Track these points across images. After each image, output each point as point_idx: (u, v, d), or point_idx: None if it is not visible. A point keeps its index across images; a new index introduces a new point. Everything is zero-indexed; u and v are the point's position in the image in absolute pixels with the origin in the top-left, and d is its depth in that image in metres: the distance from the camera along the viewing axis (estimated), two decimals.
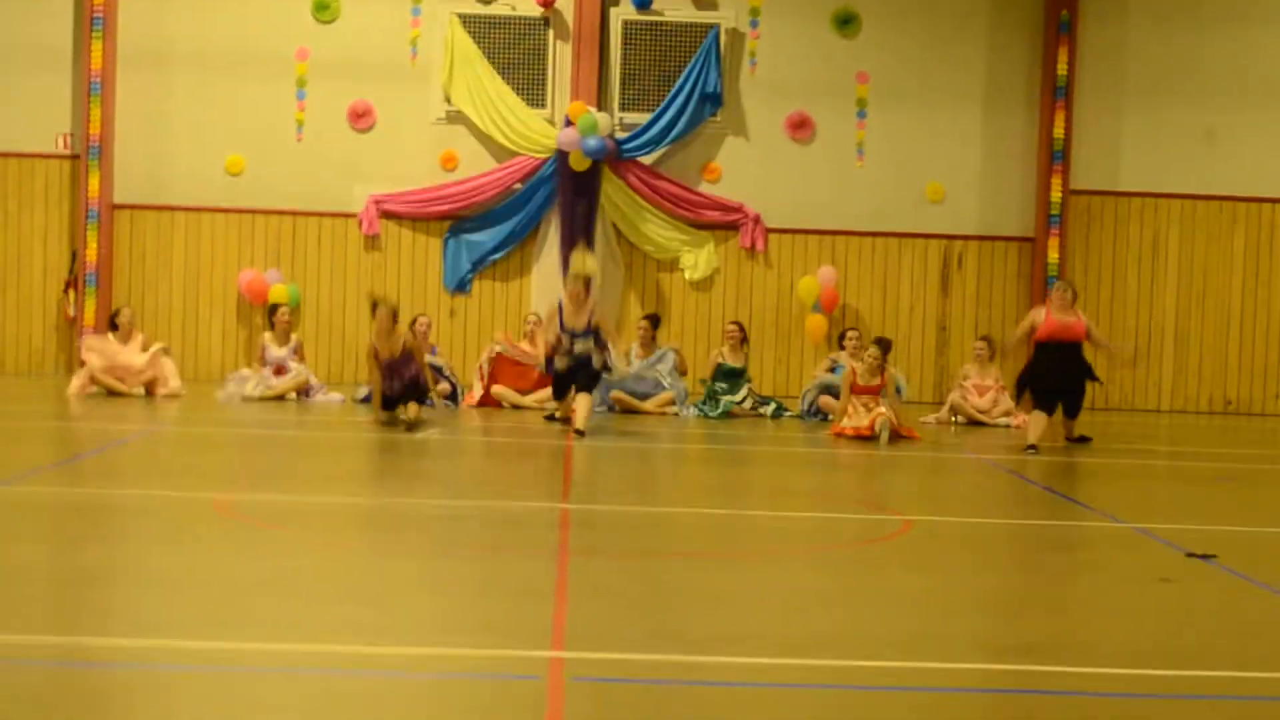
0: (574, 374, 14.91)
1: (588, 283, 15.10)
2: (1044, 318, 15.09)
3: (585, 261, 15.15)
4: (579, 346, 14.84)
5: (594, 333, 14.95)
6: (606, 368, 15.15)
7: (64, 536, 8.96)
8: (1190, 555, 8.72)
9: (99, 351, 17.56)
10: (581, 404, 14.64)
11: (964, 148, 21.02)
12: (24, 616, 6.56)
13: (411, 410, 14.89)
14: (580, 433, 14.31)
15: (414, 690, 5.65)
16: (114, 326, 17.85)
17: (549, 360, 15.28)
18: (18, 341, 20.72)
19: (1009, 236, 21.12)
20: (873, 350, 15.79)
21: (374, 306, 15.23)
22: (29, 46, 20.37)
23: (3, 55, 20.33)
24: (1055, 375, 14.97)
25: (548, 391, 17.09)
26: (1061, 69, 20.60)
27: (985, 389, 17.52)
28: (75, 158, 20.47)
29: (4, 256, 20.64)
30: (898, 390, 16.44)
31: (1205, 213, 21.18)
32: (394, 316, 15.10)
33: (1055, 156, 20.67)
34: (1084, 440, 15.42)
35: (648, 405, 17.43)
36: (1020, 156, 21.01)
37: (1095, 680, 5.97)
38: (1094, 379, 15.41)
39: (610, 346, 15.42)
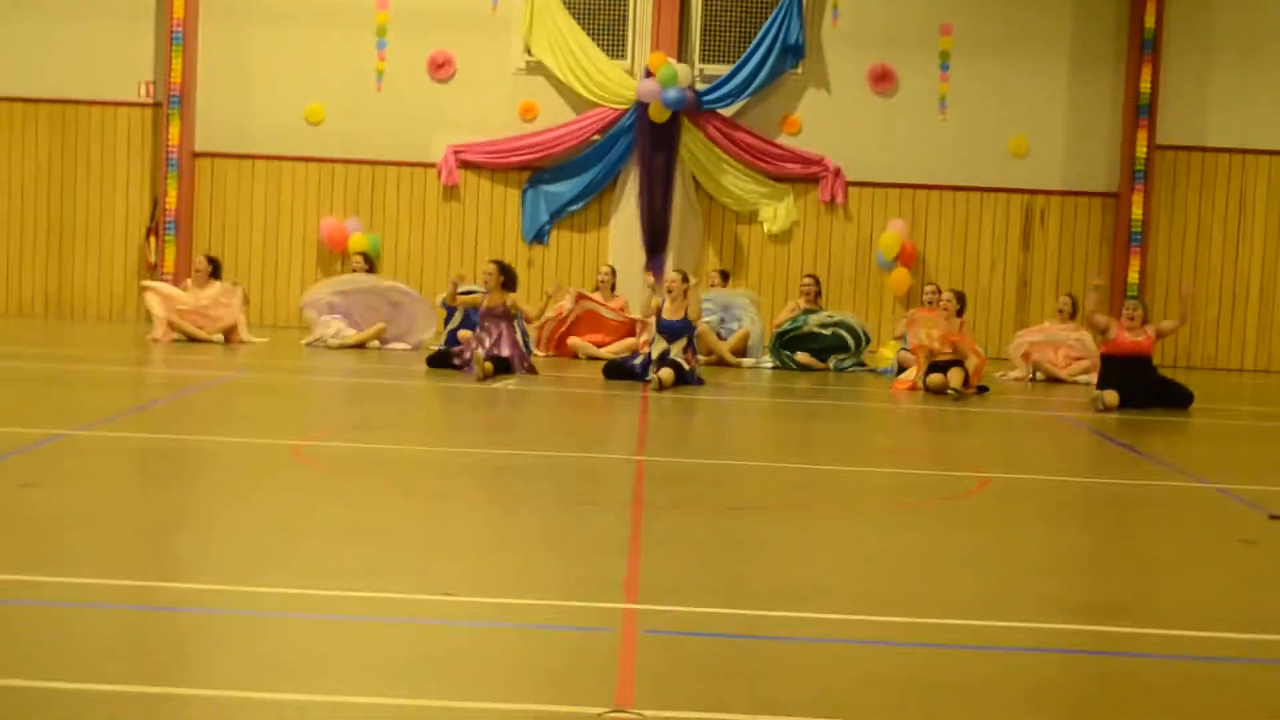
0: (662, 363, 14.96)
1: (685, 275, 15.46)
2: (1117, 332, 14.74)
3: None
4: (673, 352, 14.98)
5: (689, 330, 15.02)
6: (694, 377, 15.09)
7: (142, 481, 9.04)
8: (1273, 516, 8.61)
9: (162, 294, 17.68)
10: (666, 373, 14.68)
11: (1048, 101, 20.77)
12: (101, 561, 6.62)
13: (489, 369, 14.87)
14: (662, 387, 14.39)
15: (487, 639, 5.65)
16: (216, 273, 17.92)
17: (645, 361, 15.28)
18: (99, 287, 20.92)
19: (1092, 192, 20.87)
20: (947, 297, 15.86)
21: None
22: None
23: (87, 4, 20.47)
24: (1126, 390, 14.50)
25: (625, 343, 17.14)
26: (1149, 22, 20.27)
27: (1064, 346, 17.33)
28: (157, 106, 20.62)
29: (87, 203, 20.84)
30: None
31: None
32: (501, 272, 15.56)
33: (1141, 111, 20.38)
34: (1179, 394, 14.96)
35: (724, 345, 17.37)
36: (1106, 111, 20.74)
37: (1173, 642, 5.89)
38: (1172, 389, 14.93)
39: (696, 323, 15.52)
